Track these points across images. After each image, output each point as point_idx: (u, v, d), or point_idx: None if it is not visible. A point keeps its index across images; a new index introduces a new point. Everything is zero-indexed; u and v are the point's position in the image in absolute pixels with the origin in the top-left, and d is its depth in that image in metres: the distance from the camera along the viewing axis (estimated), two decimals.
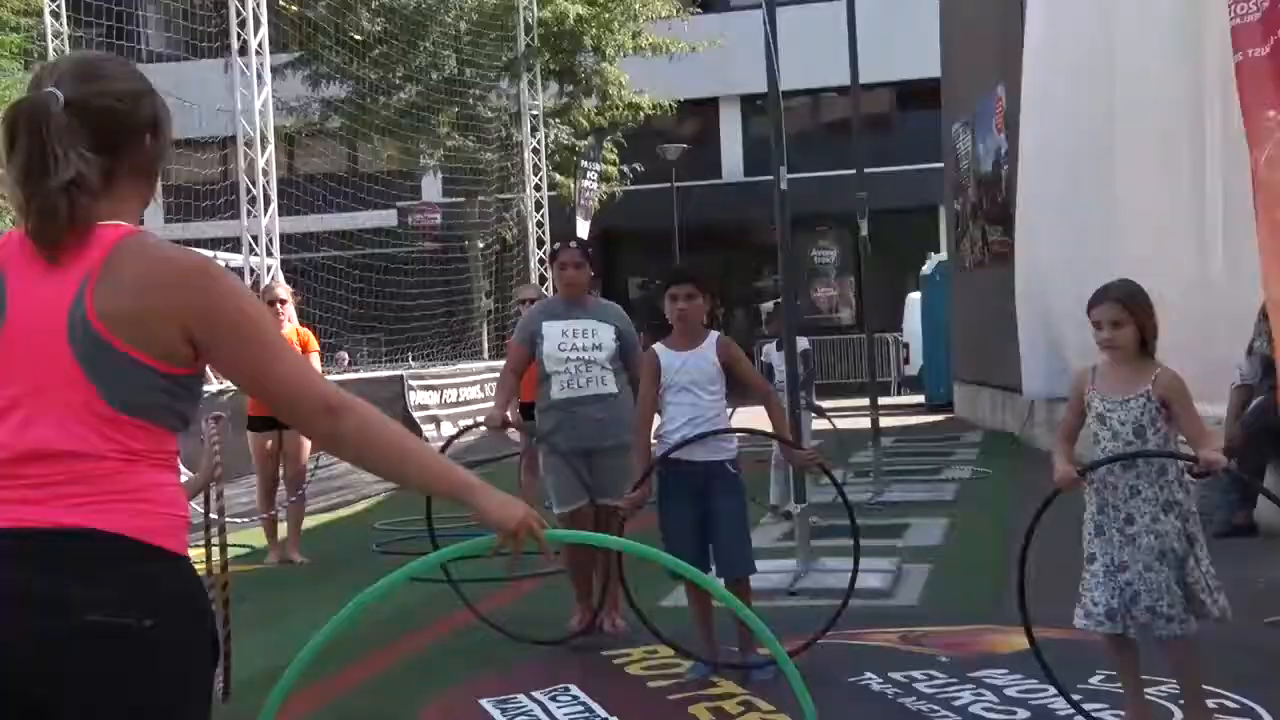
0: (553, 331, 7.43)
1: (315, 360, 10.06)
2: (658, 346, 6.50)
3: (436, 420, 21.19)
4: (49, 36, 24.83)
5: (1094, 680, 5.79)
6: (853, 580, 6.68)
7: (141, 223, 2.58)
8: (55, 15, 25.17)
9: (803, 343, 11.67)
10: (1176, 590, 4.78)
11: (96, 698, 2.31)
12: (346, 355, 27.89)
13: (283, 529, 10.24)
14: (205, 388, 7.06)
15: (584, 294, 7.63)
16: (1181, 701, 5.10)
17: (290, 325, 9.97)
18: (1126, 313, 4.91)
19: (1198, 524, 4.84)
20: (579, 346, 7.40)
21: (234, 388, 3.90)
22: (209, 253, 16.17)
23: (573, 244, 8.06)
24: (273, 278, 17.06)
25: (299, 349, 8.80)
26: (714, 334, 6.55)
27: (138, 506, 2.38)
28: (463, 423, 17.63)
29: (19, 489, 2.34)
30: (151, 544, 2.37)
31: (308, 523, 10.83)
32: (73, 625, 2.28)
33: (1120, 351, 4.95)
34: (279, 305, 9.81)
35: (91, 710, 2.32)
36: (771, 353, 12.08)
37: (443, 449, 8.62)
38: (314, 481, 13.75)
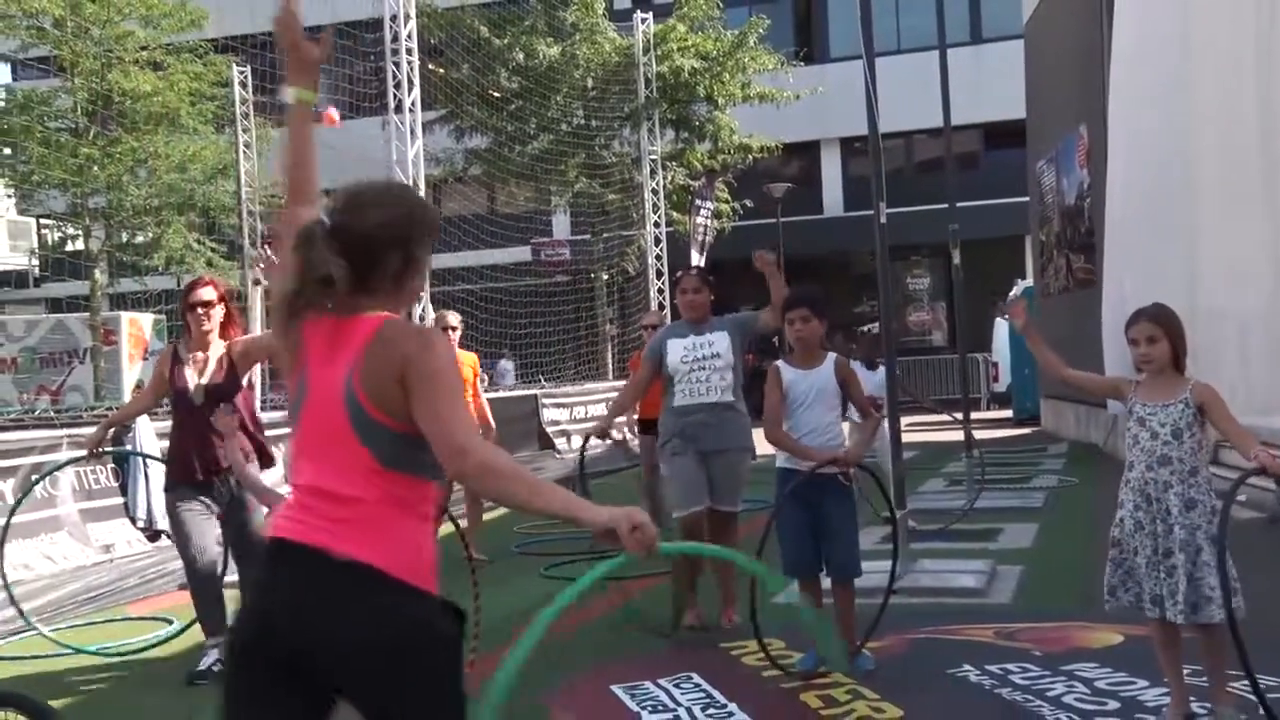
0: (676, 347, 7.47)
1: (472, 381, 10.18)
2: (780, 363, 6.45)
3: (566, 434, 21.35)
4: (237, 103, 25.68)
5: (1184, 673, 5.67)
6: (891, 577, 6.70)
7: (410, 315, 2.85)
8: (243, 85, 26.03)
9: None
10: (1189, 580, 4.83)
11: (366, 684, 2.71)
12: (511, 366, 28.31)
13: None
14: None
15: (705, 315, 7.59)
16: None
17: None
18: (1160, 330, 5.04)
19: (1222, 527, 4.79)
20: (699, 358, 7.40)
21: None
22: None
23: (693, 271, 8.14)
24: (441, 307, 17.25)
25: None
26: (832, 355, 6.50)
27: (396, 548, 2.75)
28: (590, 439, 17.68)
29: (313, 518, 2.77)
30: (386, 571, 2.72)
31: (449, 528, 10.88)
32: (332, 635, 2.69)
33: (1155, 364, 5.06)
34: (449, 332, 9.91)
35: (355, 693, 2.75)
36: (859, 371, 11.93)
37: (580, 461, 8.66)
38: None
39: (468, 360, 10.33)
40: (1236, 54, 11.68)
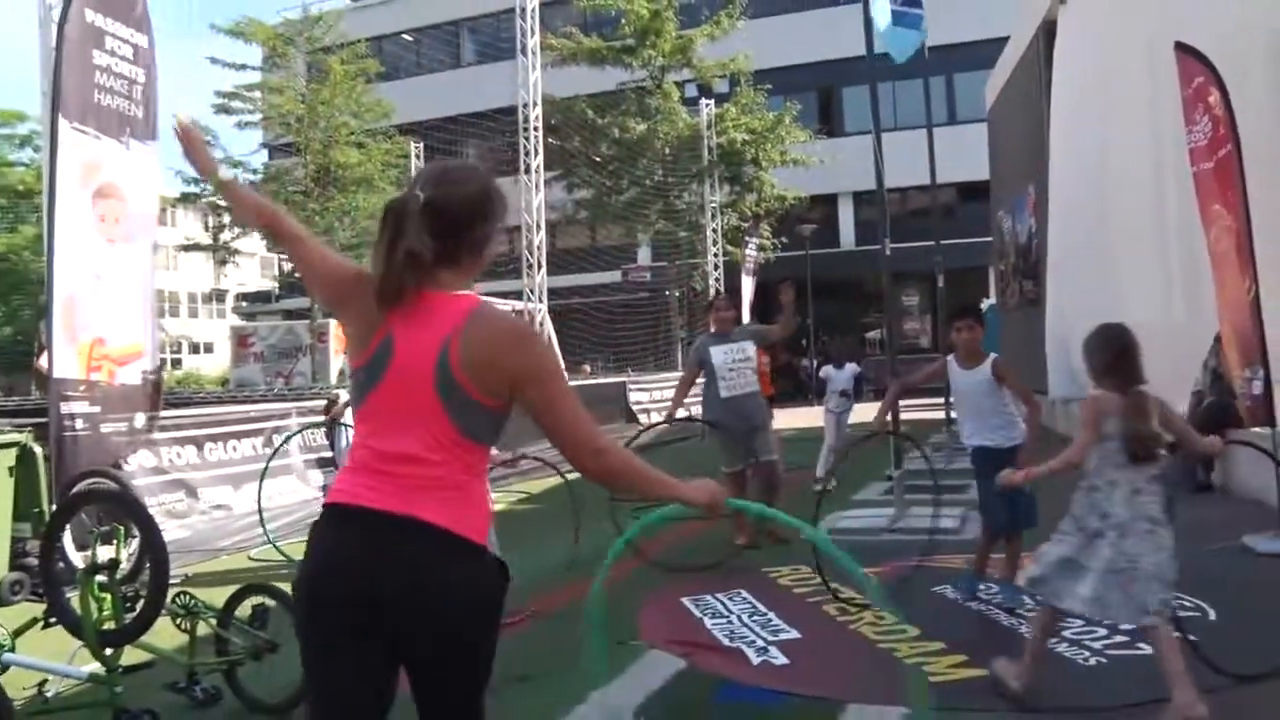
0: (718, 353, 7.64)
1: None
2: (950, 359, 5.81)
3: (647, 411, 21.36)
4: (413, 168, 27.05)
5: None
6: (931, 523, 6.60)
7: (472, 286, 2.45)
8: (417, 157, 27.27)
9: (855, 368, 11.41)
10: None
11: (431, 633, 2.21)
12: (589, 367, 28.23)
13: None
14: None
15: (731, 327, 7.84)
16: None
17: None
18: None
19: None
20: (737, 360, 7.62)
21: None
22: (503, 303, 16.46)
23: (723, 297, 8.56)
24: (558, 318, 17.41)
25: None
26: (992, 356, 5.76)
27: (469, 510, 2.27)
28: (664, 414, 17.72)
29: (390, 484, 2.23)
30: (468, 538, 2.24)
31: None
32: (422, 584, 2.18)
33: None
34: None
35: (417, 635, 2.21)
36: (829, 371, 11.57)
37: (641, 432, 8.52)
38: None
39: None
40: (1137, 135, 11.58)
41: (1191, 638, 4.48)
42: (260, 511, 8.51)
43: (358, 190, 29.62)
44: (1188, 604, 5.39)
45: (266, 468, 9.28)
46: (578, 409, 2.33)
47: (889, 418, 6.73)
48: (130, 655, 4.48)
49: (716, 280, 28.41)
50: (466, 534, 2.23)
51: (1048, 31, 15.64)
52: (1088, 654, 4.74)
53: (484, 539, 2.28)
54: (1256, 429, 7.20)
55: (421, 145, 29.39)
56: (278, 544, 8.08)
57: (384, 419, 2.26)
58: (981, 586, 5.86)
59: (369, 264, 2.40)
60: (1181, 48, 7.96)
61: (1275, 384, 7.01)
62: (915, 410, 19.66)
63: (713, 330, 7.97)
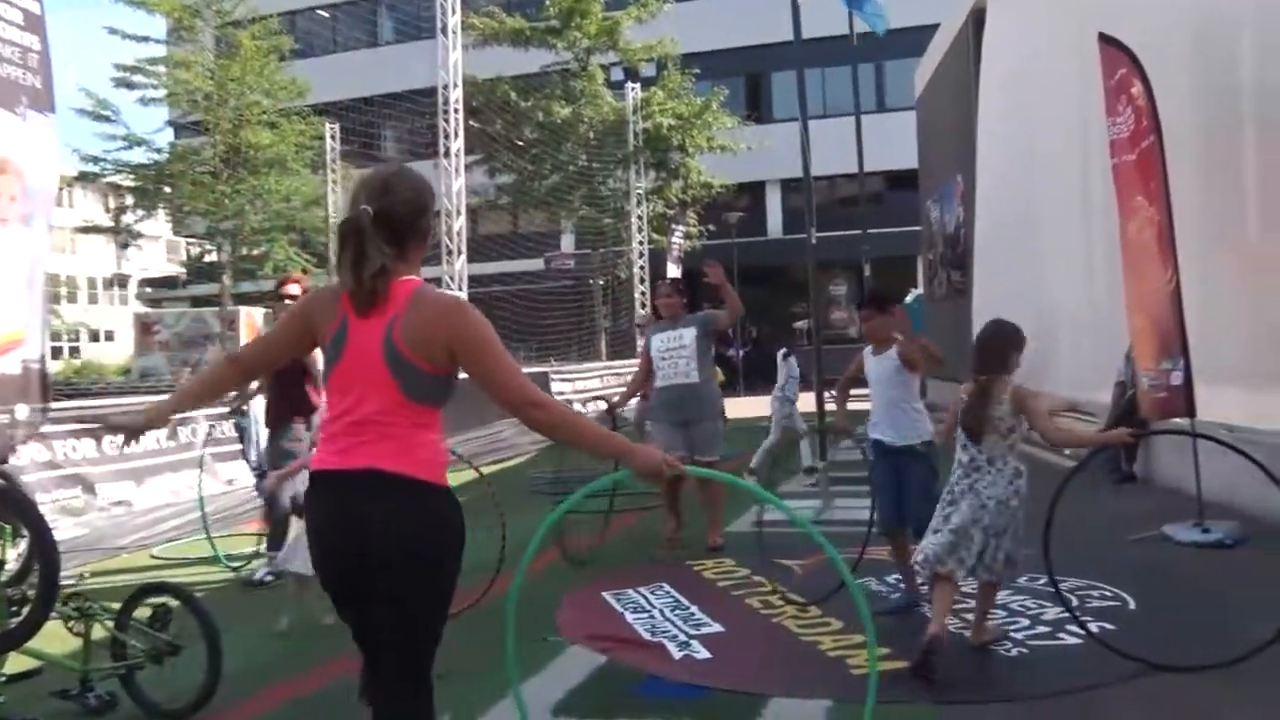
0: (657, 341, 7.46)
1: None
2: (867, 350, 5.75)
3: (570, 401, 21.30)
4: (328, 151, 26.34)
5: (1020, 580, 5.71)
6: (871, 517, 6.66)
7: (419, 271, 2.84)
8: (333, 138, 26.81)
9: (794, 360, 11.40)
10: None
11: (397, 561, 2.64)
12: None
13: None
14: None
15: (678, 313, 7.52)
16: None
17: None
18: None
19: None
20: (671, 348, 7.37)
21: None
22: None
23: (668, 282, 8.15)
24: (481, 306, 17.22)
25: None
26: (899, 339, 5.64)
27: (419, 455, 2.69)
28: (588, 404, 17.77)
29: (355, 444, 2.67)
30: (426, 479, 2.68)
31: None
32: (386, 524, 2.63)
33: None
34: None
35: (392, 564, 2.64)
36: (779, 360, 11.67)
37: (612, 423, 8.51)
38: (488, 441, 13.89)
39: None
40: (1065, 125, 11.81)
41: (1093, 629, 4.62)
42: (201, 502, 8.36)
43: (270, 172, 29.13)
44: (1108, 593, 5.53)
45: (202, 459, 9.24)
46: (512, 369, 2.72)
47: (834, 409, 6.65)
48: (16, 663, 4.34)
49: (641, 269, 28.44)
50: (420, 474, 2.66)
51: (977, 19, 15.87)
52: (1010, 645, 4.84)
53: (439, 478, 2.71)
54: (1177, 420, 7.38)
55: (337, 126, 28.88)
56: (212, 537, 7.87)
57: (346, 391, 2.71)
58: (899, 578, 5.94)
59: (283, 350, 2.96)
60: (1105, 39, 8.11)
61: (1196, 374, 7.20)
62: (857, 401, 19.91)
63: (660, 317, 7.84)
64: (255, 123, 28.80)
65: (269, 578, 6.80)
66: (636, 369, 8.19)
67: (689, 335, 7.38)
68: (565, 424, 2.74)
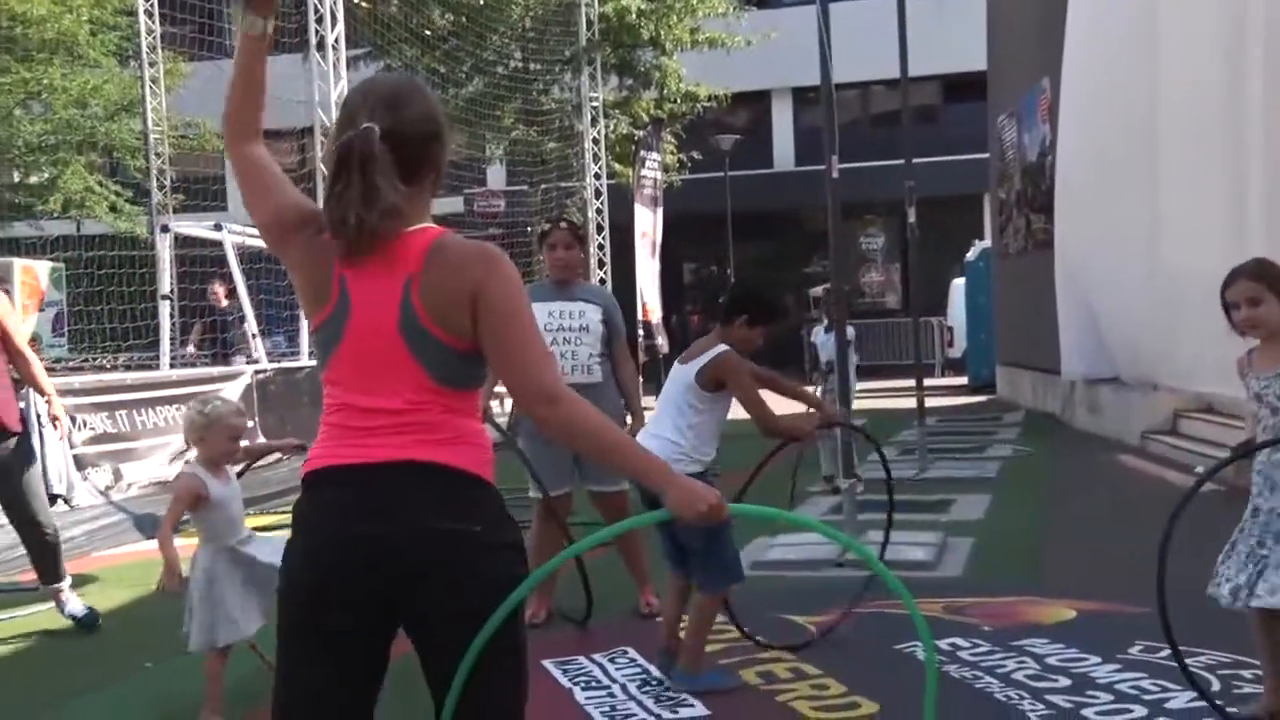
0: (542, 311, 6.65)
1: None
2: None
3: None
4: (143, 34, 24.86)
5: (1133, 650, 5.79)
6: (882, 550, 6.71)
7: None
8: (149, 14, 25.15)
9: (850, 331, 11.57)
10: None
11: (440, 584, 2.71)
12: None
13: None
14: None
15: (575, 276, 7.19)
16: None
17: None
18: (1263, 287, 4.62)
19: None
20: (565, 328, 6.94)
21: None
22: None
23: (563, 225, 7.62)
24: None
25: None
26: (717, 350, 5.60)
27: (456, 447, 2.77)
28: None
29: (375, 436, 2.75)
30: (470, 472, 2.77)
31: None
32: (420, 530, 2.70)
33: (1263, 328, 4.66)
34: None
35: (436, 592, 2.71)
36: (819, 334, 12.08)
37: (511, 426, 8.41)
38: None
39: None
40: (1202, 7, 11.78)
41: None
42: None
43: (51, 59, 27.69)
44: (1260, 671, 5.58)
45: None
46: (542, 352, 2.82)
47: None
48: None
49: (598, 212, 28.43)
50: (464, 466, 2.75)
51: None
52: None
53: (486, 473, 2.81)
54: None
55: (154, 2, 27.88)
56: None
57: (353, 380, 2.79)
58: (962, 641, 5.97)
59: (271, 205, 2.93)
60: None
61: None
62: (888, 397, 20.04)
63: (548, 277, 7.37)
64: None
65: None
66: None
67: (593, 316, 7.01)
68: (589, 430, 2.80)
